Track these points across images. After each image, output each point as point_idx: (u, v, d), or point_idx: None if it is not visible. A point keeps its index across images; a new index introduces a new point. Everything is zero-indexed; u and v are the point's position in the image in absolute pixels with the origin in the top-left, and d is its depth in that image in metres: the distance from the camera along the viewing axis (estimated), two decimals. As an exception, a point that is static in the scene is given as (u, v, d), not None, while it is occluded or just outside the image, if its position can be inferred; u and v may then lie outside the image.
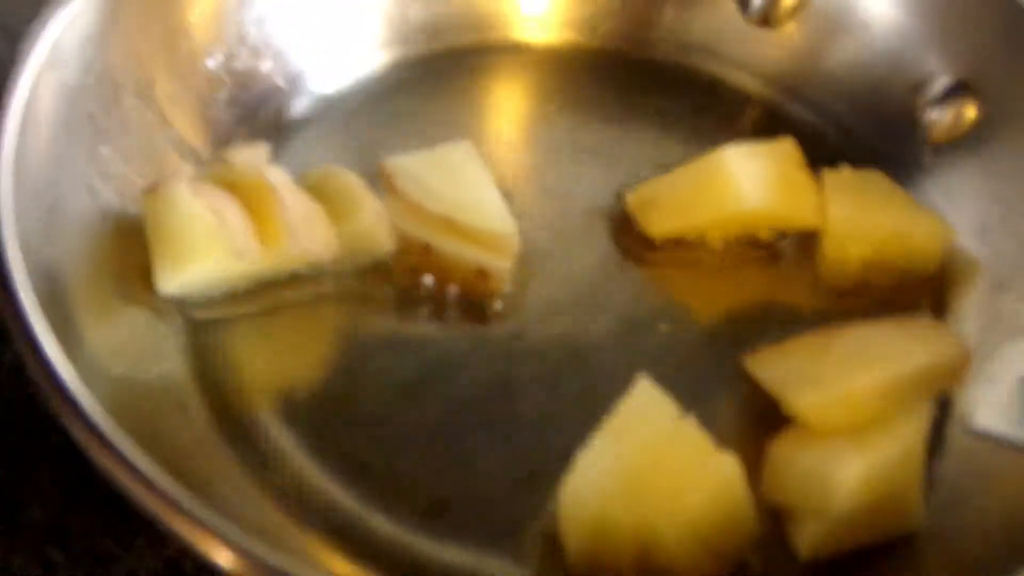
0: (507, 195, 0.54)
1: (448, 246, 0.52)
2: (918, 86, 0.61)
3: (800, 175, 0.57)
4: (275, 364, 0.50)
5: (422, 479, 0.46)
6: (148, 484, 0.34)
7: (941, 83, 0.60)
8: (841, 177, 0.58)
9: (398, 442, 0.47)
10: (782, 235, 0.57)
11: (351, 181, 0.52)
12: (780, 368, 0.50)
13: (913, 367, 0.47)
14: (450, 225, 0.52)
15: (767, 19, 0.65)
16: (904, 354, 0.48)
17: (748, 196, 0.56)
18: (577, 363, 0.51)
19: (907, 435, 0.45)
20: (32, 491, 0.46)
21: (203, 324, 0.50)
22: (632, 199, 0.57)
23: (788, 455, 0.46)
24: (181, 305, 0.49)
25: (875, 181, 0.58)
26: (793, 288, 0.56)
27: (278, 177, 0.50)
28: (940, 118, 0.60)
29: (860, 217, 0.56)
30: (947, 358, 0.48)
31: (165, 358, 0.48)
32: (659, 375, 0.46)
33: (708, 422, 0.44)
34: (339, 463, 0.46)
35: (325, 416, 0.48)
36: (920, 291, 0.56)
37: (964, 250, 0.57)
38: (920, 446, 0.45)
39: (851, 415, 0.46)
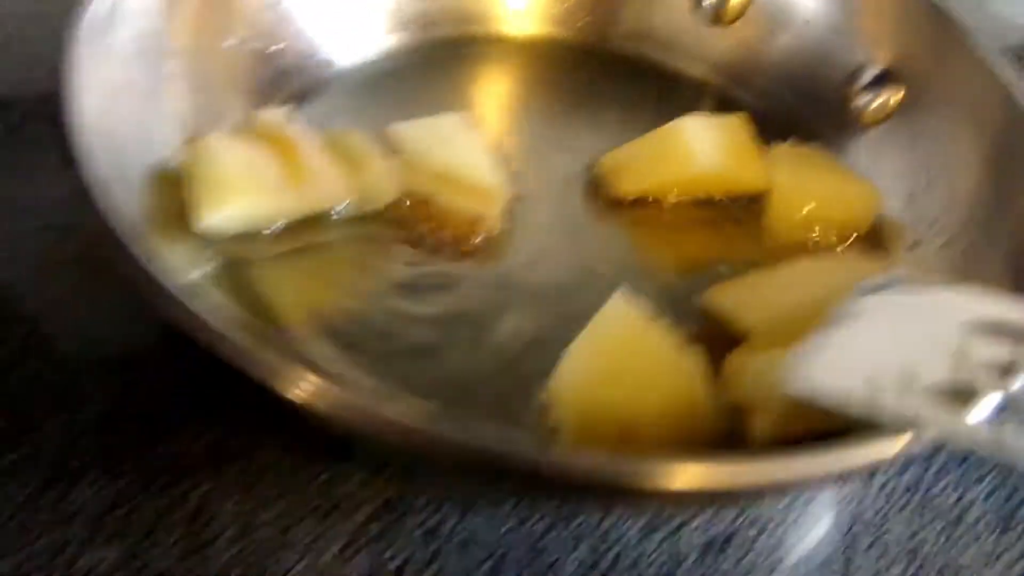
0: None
1: (445, 198, 0.60)
2: (851, 75, 0.69)
3: (749, 145, 0.65)
4: (299, 295, 0.56)
5: (429, 386, 0.52)
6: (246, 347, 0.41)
7: (871, 72, 0.68)
8: (785, 149, 0.66)
9: (405, 355, 0.54)
10: (734, 199, 0.65)
11: (360, 140, 0.59)
12: (732, 296, 0.57)
13: (844, 284, 0.55)
14: (446, 180, 0.59)
15: (717, 18, 0.73)
16: (837, 275, 0.56)
17: (702, 160, 0.64)
18: (555, 296, 0.58)
19: None
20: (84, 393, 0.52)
21: (235, 263, 0.56)
22: (602, 164, 0.65)
23: (740, 363, 0.53)
24: (215, 245, 0.56)
25: (815, 154, 0.67)
26: (743, 245, 0.63)
27: (300, 131, 0.57)
28: (870, 103, 0.68)
29: (802, 181, 0.64)
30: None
31: (204, 295, 0.53)
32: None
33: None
34: (359, 372, 0.52)
35: (344, 335, 0.54)
36: (853, 248, 0.64)
37: (891, 214, 0.65)
38: None
39: (793, 328, 0.52)
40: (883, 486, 0.54)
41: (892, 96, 0.68)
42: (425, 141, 0.61)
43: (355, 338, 0.54)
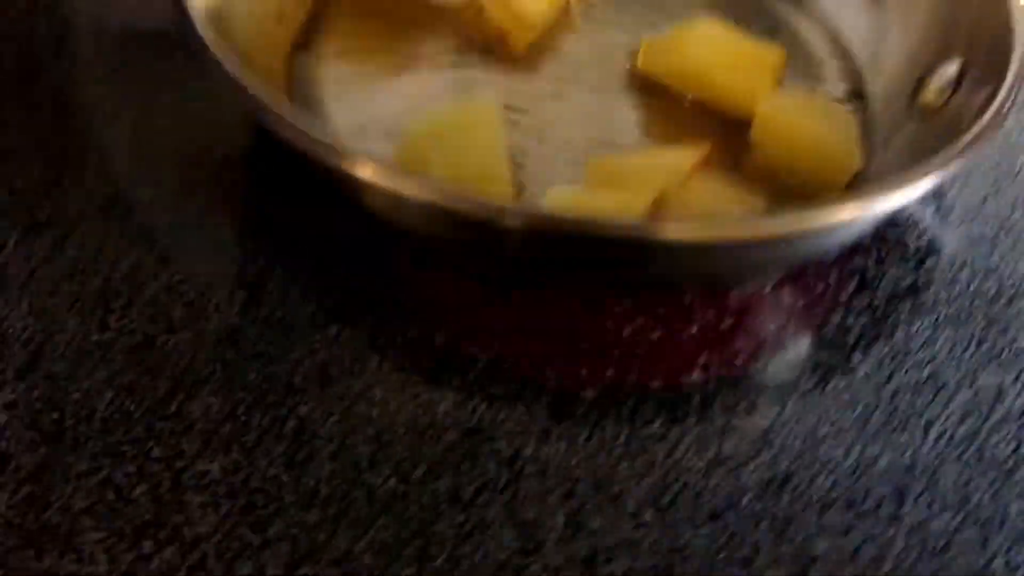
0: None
1: (493, 9, 0.70)
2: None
3: (758, 69, 0.69)
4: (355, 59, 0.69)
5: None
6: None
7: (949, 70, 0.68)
8: (793, 92, 0.71)
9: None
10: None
11: None
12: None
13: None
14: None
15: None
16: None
17: (696, 56, 0.69)
18: (540, 123, 0.67)
19: None
20: (207, 312, 0.58)
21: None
22: (643, 42, 0.72)
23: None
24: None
25: (821, 106, 0.70)
26: (725, 157, 0.67)
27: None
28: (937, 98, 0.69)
29: (786, 126, 0.67)
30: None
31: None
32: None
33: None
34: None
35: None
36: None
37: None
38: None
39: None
40: (939, 437, 0.56)
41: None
42: None
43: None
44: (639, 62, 0.72)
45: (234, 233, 0.62)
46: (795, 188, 0.65)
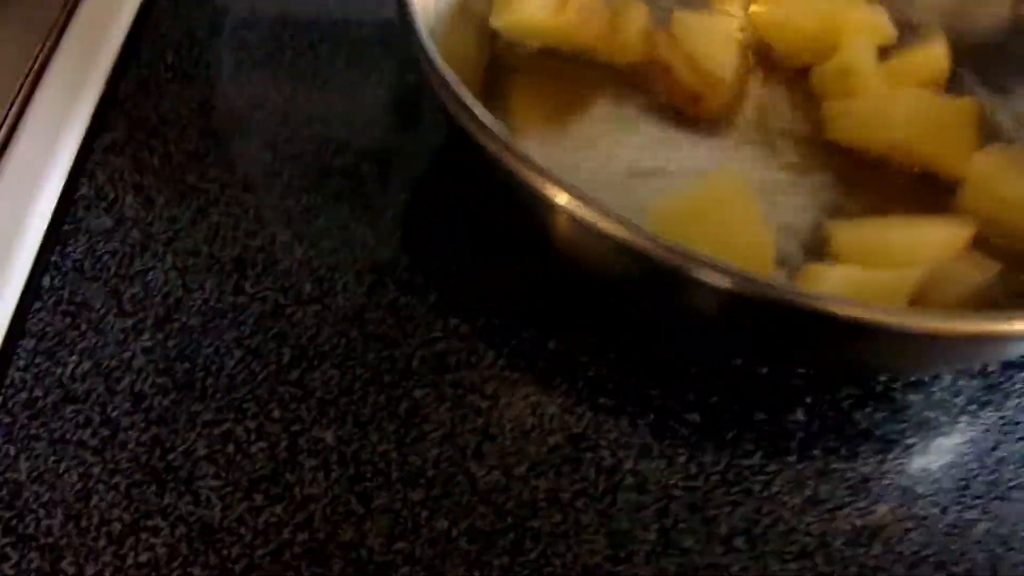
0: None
1: (682, 71, 0.70)
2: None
3: (968, 130, 0.69)
4: (537, 107, 0.71)
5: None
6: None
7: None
8: (996, 151, 0.68)
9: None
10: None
11: (640, 10, 0.73)
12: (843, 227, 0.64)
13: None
14: (690, 59, 0.71)
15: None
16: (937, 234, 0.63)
17: (902, 123, 0.69)
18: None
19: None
20: (336, 289, 0.60)
21: (503, 67, 0.71)
22: (830, 109, 0.72)
23: (816, 271, 0.60)
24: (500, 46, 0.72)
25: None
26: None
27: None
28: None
29: (1001, 176, 0.66)
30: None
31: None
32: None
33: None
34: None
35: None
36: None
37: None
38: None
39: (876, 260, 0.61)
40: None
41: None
42: (690, 26, 0.73)
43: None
44: (829, 131, 0.71)
45: (367, 218, 0.63)
46: (1005, 246, 0.65)
